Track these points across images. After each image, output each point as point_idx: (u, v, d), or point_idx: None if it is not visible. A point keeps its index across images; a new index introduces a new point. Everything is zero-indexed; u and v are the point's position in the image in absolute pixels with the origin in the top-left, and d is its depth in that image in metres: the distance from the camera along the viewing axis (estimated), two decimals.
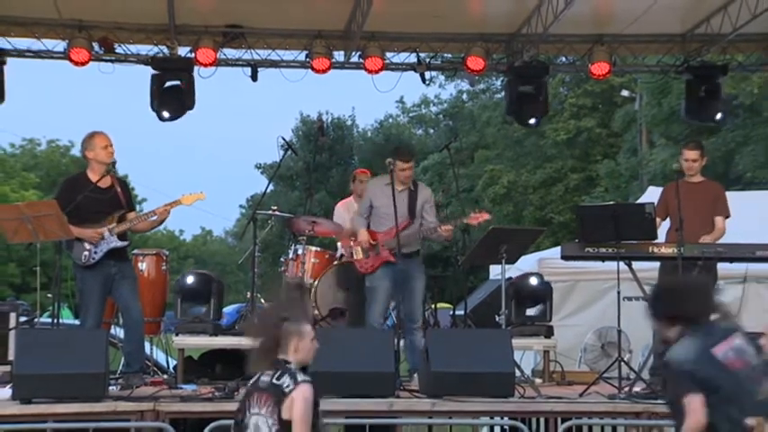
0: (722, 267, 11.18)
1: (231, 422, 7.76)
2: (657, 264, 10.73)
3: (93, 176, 10.55)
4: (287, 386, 6.30)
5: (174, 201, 11.03)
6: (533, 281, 12.77)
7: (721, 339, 6.45)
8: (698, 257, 10.35)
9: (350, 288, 11.67)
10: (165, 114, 13.78)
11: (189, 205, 11.24)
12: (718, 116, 14.55)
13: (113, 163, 10.84)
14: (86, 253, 10.36)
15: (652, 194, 14.00)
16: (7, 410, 8.77)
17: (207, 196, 11.60)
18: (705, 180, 11.33)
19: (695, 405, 6.19)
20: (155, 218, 11.09)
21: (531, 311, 12.26)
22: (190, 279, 11.96)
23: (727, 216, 10.97)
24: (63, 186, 11.03)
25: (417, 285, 11.19)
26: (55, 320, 11.35)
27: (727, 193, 11.36)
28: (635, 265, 10.66)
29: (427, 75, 14.94)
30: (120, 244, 10.54)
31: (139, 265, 12.01)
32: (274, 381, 6.37)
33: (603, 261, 10.84)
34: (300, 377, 6.30)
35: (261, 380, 6.48)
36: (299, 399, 6.24)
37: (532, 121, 15.20)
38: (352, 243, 11.58)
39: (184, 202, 11.20)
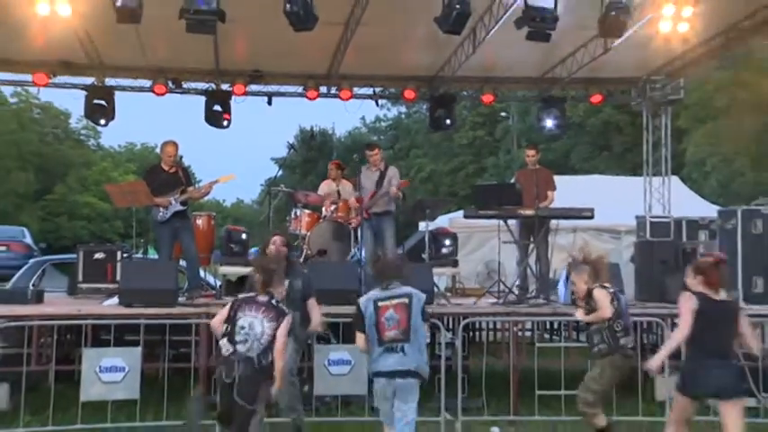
0: (561, 223, 11.52)
1: None
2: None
3: (164, 166, 10.95)
4: (285, 310, 6.64)
5: (215, 180, 11.35)
6: (446, 232, 13.07)
7: None
8: (547, 216, 10.66)
9: (330, 236, 11.54)
10: (214, 126, 13.95)
11: (225, 183, 11.51)
12: (559, 127, 14.88)
13: (180, 157, 11.26)
14: (161, 214, 10.63)
15: None
16: (116, 311, 9.13)
17: (238, 177, 11.92)
18: (540, 167, 11.66)
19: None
20: (203, 191, 11.55)
21: (444, 251, 12.51)
22: (230, 231, 12.28)
23: (554, 189, 11.28)
24: (147, 172, 11.45)
25: (387, 234, 11.18)
26: (144, 256, 12.09)
27: (564, 177, 11.64)
28: (508, 221, 10.82)
29: (380, 102, 15.30)
30: (181, 208, 10.76)
31: (197, 221, 12.18)
32: (273, 302, 6.58)
33: (490, 219, 10.87)
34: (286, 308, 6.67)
35: (258, 298, 6.58)
36: (287, 321, 6.56)
37: (446, 130, 15.62)
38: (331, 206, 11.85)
39: (221, 180, 11.45)
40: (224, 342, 6.53)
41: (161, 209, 10.63)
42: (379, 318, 6.39)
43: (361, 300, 6.60)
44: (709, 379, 6.31)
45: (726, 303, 6.55)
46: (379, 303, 6.44)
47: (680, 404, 6.52)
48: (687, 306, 6.40)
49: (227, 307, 6.67)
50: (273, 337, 6.45)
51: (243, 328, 6.48)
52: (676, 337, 6.62)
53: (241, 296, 6.77)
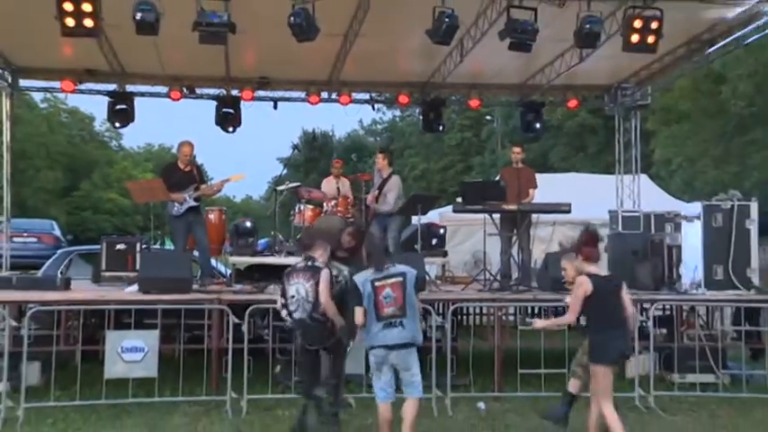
0: (541, 217, 11.72)
1: (264, 306, 8.58)
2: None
3: (180, 164, 10.90)
4: (318, 266, 7.00)
5: (227, 178, 11.39)
6: (436, 225, 13.05)
7: None
8: (528, 210, 10.69)
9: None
10: (224, 128, 14.08)
11: (236, 182, 11.60)
12: (539, 129, 15.01)
13: (194, 156, 11.17)
14: (176, 208, 10.60)
15: None
16: (136, 297, 9.08)
17: (247, 176, 11.91)
18: (524, 166, 11.55)
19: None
20: (215, 188, 11.43)
21: (434, 242, 12.49)
22: (239, 224, 12.15)
23: (536, 188, 11.19)
24: (164, 170, 11.35)
25: (390, 228, 11.28)
26: (161, 247, 12.08)
27: (543, 175, 11.53)
28: (493, 215, 10.72)
29: (376, 106, 15.35)
30: (194, 204, 10.76)
31: (210, 216, 12.17)
32: (308, 264, 7.04)
33: (476, 213, 10.80)
34: (323, 266, 7.01)
35: (297, 266, 7.10)
36: (323, 275, 6.89)
37: (437, 131, 15.47)
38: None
39: (232, 179, 11.51)
40: (284, 315, 6.99)
41: (176, 204, 10.58)
42: (378, 296, 6.48)
43: (357, 279, 6.63)
44: (615, 347, 6.46)
45: (611, 279, 6.66)
46: (377, 283, 6.51)
47: (599, 374, 6.49)
48: (581, 290, 6.47)
49: (282, 280, 7.07)
50: (317, 293, 6.83)
51: (293, 296, 6.94)
52: (566, 320, 6.85)
53: (287, 269, 7.11)
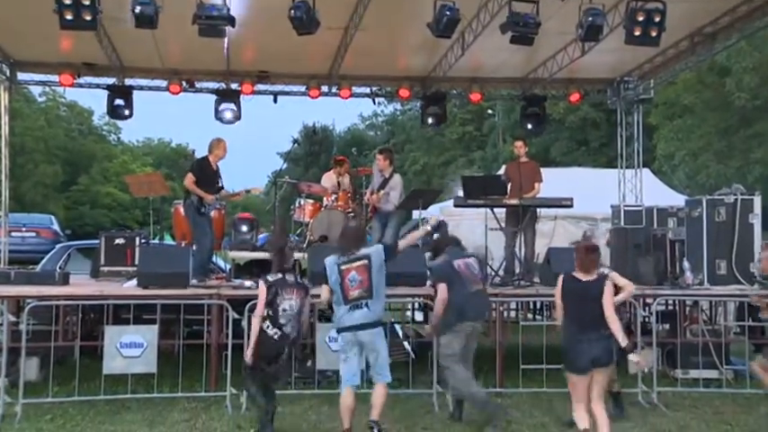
0: (543, 211, 11.68)
1: None
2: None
3: (212, 161, 10.42)
4: (307, 286, 7.15)
5: (248, 189, 11.52)
6: (437, 219, 12.85)
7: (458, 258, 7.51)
8: (529, 205, 10.68)
9: (330, 224, 11.36)
10: (225, 122, 13.96)
11: (256, 194, 12.02)
12: (540, 123, 14.92)
13: (193, 150, 11.15)
14: (203, 208, 10.20)
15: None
16: (135, 292, 9.06)
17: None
18: (528, 160, 11.49)
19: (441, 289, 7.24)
20: (236, 196, 11.34)
21: (435, 237, 12.57)
22: (238, 219, 12.11)
23: (541, 181, 11.10)
24: (198, 163, 10.53)
25: (390, 224, 11.27)
26: (160, 242, 12.00)
27: (545, 170, 11.52)
28: (494, 210, 10.79)
29: (376, 100, 15.28)
30: (219, 205, 10.81)
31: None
32: (298, 281, 7.04)
33: (477, 208, 10.87)
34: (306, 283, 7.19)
35: (287, 279, 6.95)
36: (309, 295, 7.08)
37: (438, 125, 15.36)
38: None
39: (254, 192, 11.90)
40: (267, 326, 6.87)
41: (205, 202, 10.25)
42: (344, 279, 6.77)
43: (327, 261, 6.95)
44: (583, 352, 6.32)
45: (590, 283, 6.47)
46: (342, 267, 6.80)
47: (571, 382, 6.46)
48: (557, 289, 6.59)
49: (272, 291, 6.89)
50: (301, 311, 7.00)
51: (285, 310, 6.88)
52: (557, 317, 6.82)
53: (275, 278, 6.99)
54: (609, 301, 6.38)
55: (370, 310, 6.79)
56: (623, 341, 6.25)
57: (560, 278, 6.60)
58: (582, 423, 6.36)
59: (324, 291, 6.96)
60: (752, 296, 8.72)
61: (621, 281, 7.32)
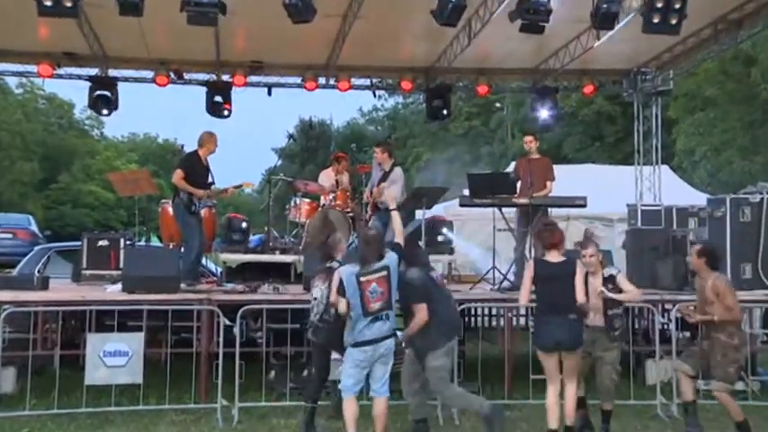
0: (555, 211, 11.47)
1: (257, 307, 8.80)
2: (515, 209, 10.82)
3: (202, 156, 10.37)
4: (332, 267, 7.35)
5: (239, 185, 11.37)
6: (441, 220, 12.94)
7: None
8: (540, 204, 10.53)
9: (327, 224, 11.03)
10: (215, 116, 13.98)
11: (246, 189, 11.74)
12: (552, 117, 14.80)
13: (182, 146, 11.05)
14: (193, 206, 10.14)
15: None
16: (119, 297, 9.01)
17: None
18: (540, 156, 11.33)
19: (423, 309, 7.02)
20: (227, 193, 11.19)
21: (440, 239, 12.39)
22: (230, 219, 12.24)
23: (552, 179, 11.00)
24: (187, 158, 10.48)
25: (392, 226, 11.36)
26: (147, 243, 12.01)
27: (557, 167, 11.40)
28: (503, 209, 10.74)
29: (377, 92, 15.37)
30: (210, 203, 10.94)
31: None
32: (327, 266, 7.50)
33: (484, 207, 10.78)
34: (337, 265, 7.29)
35: (324, 266, 7.54)
36: (336, 274, 7.09)
37: (442, 120, 15.50)
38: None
39: (245, 186, 11.81)
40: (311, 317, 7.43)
41: (195, 199, 10.23)
42: (364, 291, 6.83)
43: (343, 272, 6.98)
44: (549, 333, 6.91)
45: (560, 264, 7.01)
46: (362, 278, 6.85)
47: (542, 361, 7.09)
48: (526, 274, 7.13)
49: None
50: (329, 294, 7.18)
51: (315, 298, 7.34)
52: (520, 302, 7.40)
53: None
54: (579, 285, 6.87)
55: (388, 321, 6.95)
56: (587, 318, 7.03)
57: (531, 261, 7.24)
58: (551, 420, 6.95)
59: (342, 304, 6.94)
60: (678, 306, 8.63)
61: (626, 285, 7.49)
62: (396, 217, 7.84)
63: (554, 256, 7.04)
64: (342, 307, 6.95)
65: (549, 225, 7.41)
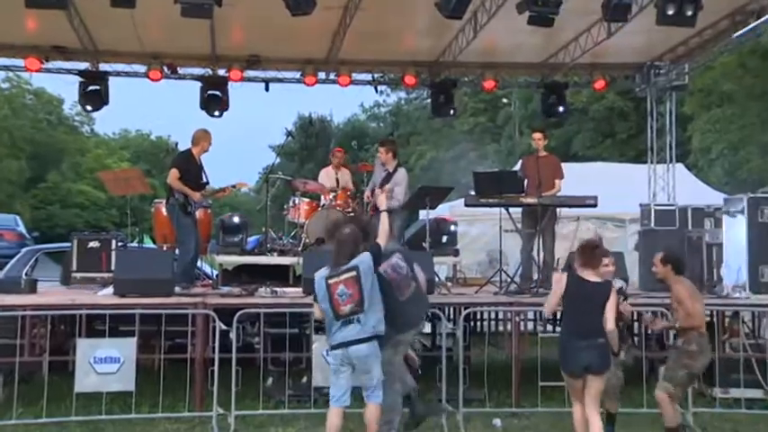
0: (564, 211, 11.70)
1: (254, 311, 8.73)
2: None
3: (196, 155, 10.40)
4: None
5: (233, 185, 11.46)
6: (446, 220, 13.05)
7: (384, 260, 7.11)
8: (549, 204, 10.60)
9: (327, 224, 10.81)
10: (210, 112, 14.08)
11: (243, 189, 11.77)
12: (561, 113, 15.12)
13: (176, 143, 11.24)
14: (190, 207, 10.18)
15: None
16: (110, 301, 9.04)
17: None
18: (548, 154, 11.37)
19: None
20: (222, 193, 11.36)
21: (444, 239, 12.47)
22: (227, 219, 12.21)
23: (561, 178, 11.08)
24: (182, 157, 10.54)
25: (393, 226, 10.45)
26: (139, 245, 12.01)
27: (566, 165, 11.49)
28: (510, 209, 10.74)
29: (379, 87, 15.45)
30: (206, 203, 10.95)
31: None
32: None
33: (491, 207, 10.80)
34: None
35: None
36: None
37: (447, 116, 15.58)
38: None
39: (239, 186, 11.83)
40: None
41: (192, 200, 10.27)
42: (333, 295, 6.77)
43: (316, 276, 6.97)
44: (577, 359, 6.78)
45: (596, 285, 6.85)
46: (330, 281, 6.80)
47: (567, 383, 7.03)
48: (556, 286, 7.00)
49: None
50: None
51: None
52: (544, 312, 7.62)
53: None
54: (611, 311, 6.73)
55: (362, 324, 6.77)
56: (615, 347, 6.87)
57: (564, 275, 6.96)
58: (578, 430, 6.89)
59: (315, 309, 7.04)
60: (644, 316, 8.62)
61: (619, 307, 7.35)
62: (384, 218, 7.65)
63: (590, 275, 6.88)
64: (316, 313, 7.02)
65: (596, 244, 7.28)
